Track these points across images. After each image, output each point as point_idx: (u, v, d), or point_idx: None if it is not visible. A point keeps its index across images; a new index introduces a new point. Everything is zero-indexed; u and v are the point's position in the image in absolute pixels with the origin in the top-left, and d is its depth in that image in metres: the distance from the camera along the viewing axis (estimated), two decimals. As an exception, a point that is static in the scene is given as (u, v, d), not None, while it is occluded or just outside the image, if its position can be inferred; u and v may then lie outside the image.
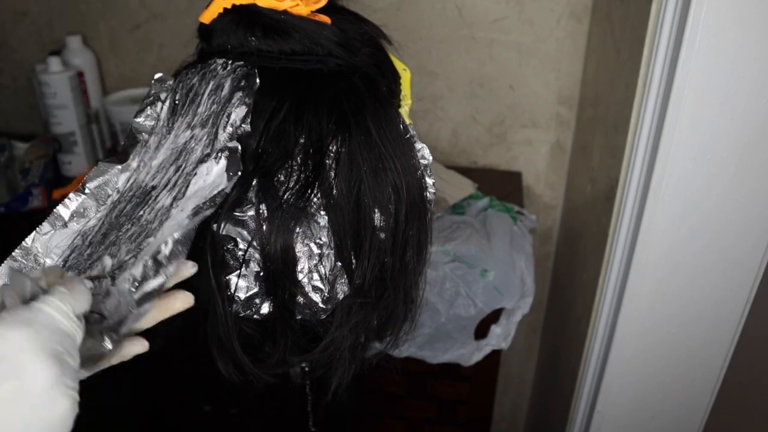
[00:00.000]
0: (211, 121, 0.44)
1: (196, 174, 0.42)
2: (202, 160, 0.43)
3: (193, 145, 0.44)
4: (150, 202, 0.43)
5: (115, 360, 0.40)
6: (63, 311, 0.34)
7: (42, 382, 0.31)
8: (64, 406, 0.31)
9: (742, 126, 0.71)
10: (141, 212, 0.42)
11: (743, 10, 0.65)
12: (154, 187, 0.44)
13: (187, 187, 0.42)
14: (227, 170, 0.42)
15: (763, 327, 0.88)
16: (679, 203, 0.76)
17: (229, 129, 0.43)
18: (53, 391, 0.31)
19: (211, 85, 0.46)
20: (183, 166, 0.44)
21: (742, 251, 0.79)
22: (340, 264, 0.47)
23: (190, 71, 0.48)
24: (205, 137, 0.44)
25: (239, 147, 0.43)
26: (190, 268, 0.43)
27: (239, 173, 0.42)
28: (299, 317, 0.49)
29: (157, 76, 0.49)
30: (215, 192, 0.41)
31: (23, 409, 0.30)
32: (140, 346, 0.41)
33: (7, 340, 0.30)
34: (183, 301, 0.43)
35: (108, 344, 0.38)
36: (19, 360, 0.30)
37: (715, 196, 0.75)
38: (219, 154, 0.42)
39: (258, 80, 0.45)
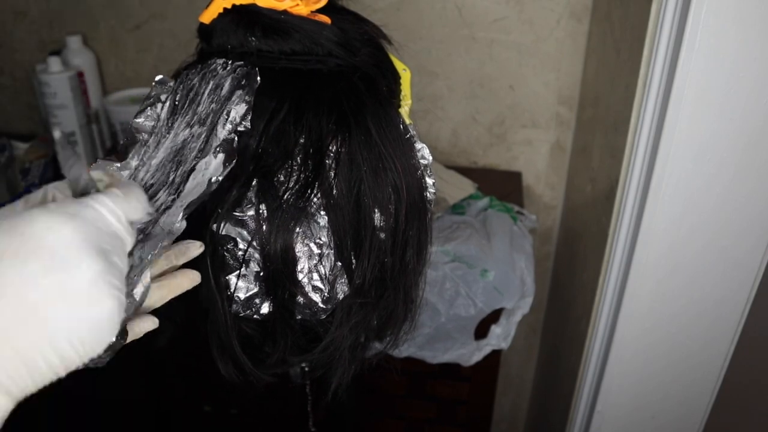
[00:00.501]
0: (210, 119, 0.44)
1: (195, 169, 0.42)
2: (199, 156, 0.43)
3: (192, 143, 0.44)
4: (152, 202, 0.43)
5: (129, 337, 0.40)
6: (115, 213, 0.32)
7: (88, 276, 0.29)
8: (109, 305, 0.30)
9: (742, 126, 0.71)
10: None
11: (743, 10, 0.65)
12: (152, 185, 0.44)
13: (186, 182, 0.42)
14: (223, 161, 0.42)
15: (763, 327, 0.88)
16: (679, 203, 0.76)
17: (229, 126, 0.43)
18: (97, 287, 0.30)
19: (211, 85, 0.46)
20: (182, 163, 0.44)
21: (742, 251, 0.79)
22: (340, 264, 0.47)
23: (190, 72, 0.48)
24: (203, 134, 0.44)
25: (235, 138, 0.43)
26: (198, 248, 0.44)
27: (233, 162, 0.42)
28: (299, 317, 0.49)
29: (158, 78, 0.49)
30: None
31: (68, 302, 0.29)
32: (150, 322, 0.41)
33: (53, 232, 0.29)
34: (191, 279, 0.44)
35: None
36: (63, 253, 0.29)
37: (715, 196, 0.75)
38: (218, 149, 0.42)
39: (258, 79, 0.45)
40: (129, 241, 0.33)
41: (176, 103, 0.47)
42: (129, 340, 0.40)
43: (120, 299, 0.31)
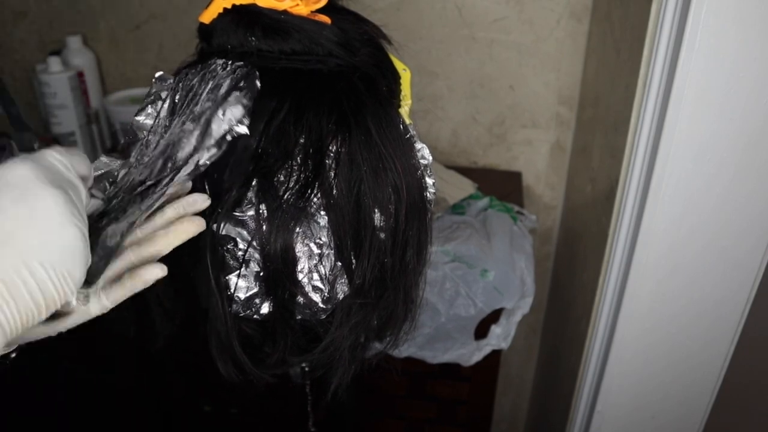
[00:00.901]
0: (204, 117, 0.44)
1: (187, 164, 0.42)
2: (191, 154, 0.43)
3: (184, 138, 0.44)
4: (136, 195, 0.43)
5: (139, 284, 0.41)
6: (63, 163, 0.36)
7: (50, 203, 0.33)
8: (73, 232, 0.34)
9: (742, 126, 0.71)
10: (129, 208, 0.43)
11: (743, 10, 0.65)
12: (142, 182, 0.44)
13: (175, 177, 0.42)
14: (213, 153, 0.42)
15: (763, 327, 0.87)
16: (679, 203, 0.76)
17: (225, 126, 0.43)
18: (61, 214, 0.33)
19: (210, 85, 0.46)
20: (171, 158, 0.44)
21: (742, 251, 0.79)
22: (340, 264, 0.47)
23: (190, 72, 0.48)
24: (196, 131, 0.44)
25: (228, 134, 0.43)
26: (205, 200, 0.44)
27: (221, 150, 0.42)
28: (299, 317, 0.49)
29: (158, 74, 0.49)
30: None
31: (37, 227, 0.32)
32: (159, 269, 0.42)
33: (16, 172, 0.33)
34: (197, 225, 0.44)
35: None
36: (28, 187, 0.33)
37: (715, 196, 0.75)
38: (212, 146, 0.42)
39: (258, 83, 0.44)
40: (83, 190, 0.37)
41: (176, 102, 0.47)
42: (140, 288, 0.41)
43: (81, 230, 0.34)
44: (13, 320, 0.32)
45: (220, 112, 0.44)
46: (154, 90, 0.49)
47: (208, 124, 0.43)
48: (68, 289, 0.34)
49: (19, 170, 0.33)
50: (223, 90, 0.45)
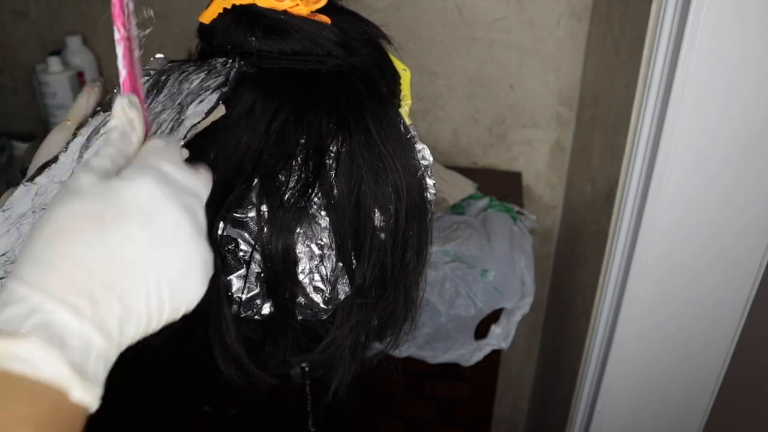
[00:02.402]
0: (179, 101, 0.44)
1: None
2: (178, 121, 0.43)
3: (163, 124, 0.44)
4: None
5: None
6: (182, 173, 0.35)
7: (171, 226, 0.32)
8: (192, 251, 0.33)
9: (742, 126, 0.71)
10: None
11: (743, 10, 0.65)
12: None
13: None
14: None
15: (763, 327, 0.88)
16: (679, 203, 0.76)
17: (199, 109, 0.43)
18: (180, 236, 0.33)
19: (203, 75, 0.46)
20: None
21: (742, 251, 0.79)
22: (341, 265, 0.47)
23: (188, 65, 0.48)
24: (173, 115, 0.44)
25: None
26: (222, 110, 0.44)
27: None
28: (300, 317, 0.49)
29: (157, 55, 0.50)
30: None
31: (158, 248, 0.32)
32: None
33: (141, 191, 0.32)
34: None
35: None
36: (152, 208, 0.32)
37: (715, 196, 0.75)
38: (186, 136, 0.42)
39: (260, 80, 0.44)
40: (201, 187, 0.36)
41: (161, 79, 0.47)
42: None
43: (202, 248, 0.34)
44: (130, 337, 0.32)
45: (198, 100, 0.43)
46: (146, 67, 0.49)
47: (182, 110, 0.43)
48: (180, 305, 0.34)
49: (144, 189, 0.32)
50: (216, 82, 0.45)
